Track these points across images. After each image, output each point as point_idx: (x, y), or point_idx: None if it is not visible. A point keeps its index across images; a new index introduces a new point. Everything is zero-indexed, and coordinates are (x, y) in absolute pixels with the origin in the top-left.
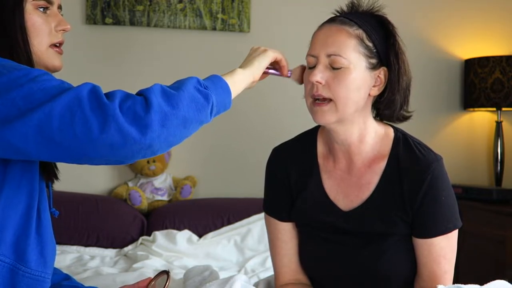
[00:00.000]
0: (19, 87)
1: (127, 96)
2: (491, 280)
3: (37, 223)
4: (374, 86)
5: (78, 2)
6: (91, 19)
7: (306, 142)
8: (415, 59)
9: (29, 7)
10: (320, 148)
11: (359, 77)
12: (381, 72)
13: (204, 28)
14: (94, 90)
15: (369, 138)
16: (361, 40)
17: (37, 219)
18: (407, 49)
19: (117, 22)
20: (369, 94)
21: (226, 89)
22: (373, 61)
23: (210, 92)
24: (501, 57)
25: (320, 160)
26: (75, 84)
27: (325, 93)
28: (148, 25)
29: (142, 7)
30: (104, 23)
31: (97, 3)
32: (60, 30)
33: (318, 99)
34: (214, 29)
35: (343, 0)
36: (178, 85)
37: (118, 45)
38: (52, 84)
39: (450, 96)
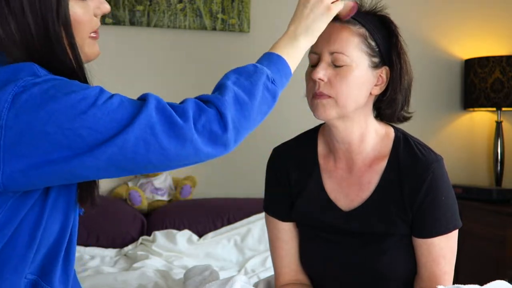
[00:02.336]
0: (81, 115)
1: (199, 110)
2: (491, 280)
3: (68, 243)
4: (376, 85)
5: None
6: None
7: (307, 142)
8: (415, 59)
9: (71, 1)
10: (321, 148)
11: (361, 75)
12: (383, 72)
13: (204, 28)
14: (162, 109)
15: (369, 137)
16: (364, 39)
17: (68, 238)
18: (408, 49)
19: (117, 22)
20: (370, 93)
21: (288, 76)
22: (376, 60)
23: (277, 87)
24: (501, 57)
25: (321, 160)
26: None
27: (326, 91)
28: (148, 25)
29: (142, 7)
30: (104, 23)
31: None
32: (99, 14)
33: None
34: (214, 29)
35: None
36: (250, 85)
37: (118, 45)
38: (115, 107)
39: (450, 96)
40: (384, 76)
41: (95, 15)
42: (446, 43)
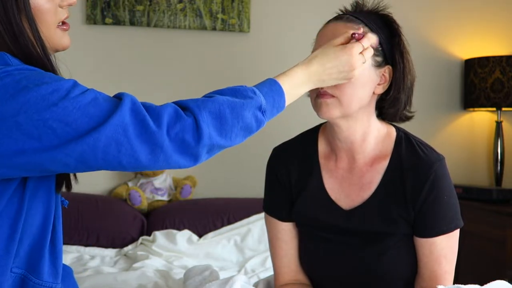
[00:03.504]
0: (52, 107)
1: (175, 118)
2: (491, 280)
3: (52, 234)
4: (378, 84)
5: (78, 2)
6: (91, 19)
7: (307, 141)
8: (415, 59)
9: None
10: (322, 147)
11: (365, 74)
12: (386, 71)
13: (204, 28)
14: (136, 111)
15: (371, 136)
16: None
17: (52, 229)
18: (409, 48)
19: (117, 22)
20: (373, 93)
21: (280, 109)
22: (379, 59)
23: (265, 118)
24: (501, 57)
25: (321, 159)
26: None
27: (330, 90)
28: (148, 25)
29: (142, 7)
30: (104, 23)
31: (97, 3)
32: (65, 5)
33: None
34: (214, 29)
35: (342, 0)
36: (240, 108)
37: (118, 45)
38: (87, 101)
39: (450, 96)
40: (387, 75)
41: (61, 6)
42: (446, 43)
